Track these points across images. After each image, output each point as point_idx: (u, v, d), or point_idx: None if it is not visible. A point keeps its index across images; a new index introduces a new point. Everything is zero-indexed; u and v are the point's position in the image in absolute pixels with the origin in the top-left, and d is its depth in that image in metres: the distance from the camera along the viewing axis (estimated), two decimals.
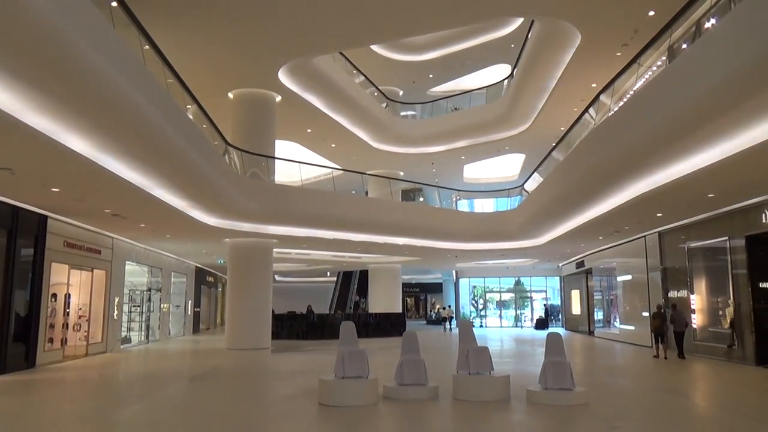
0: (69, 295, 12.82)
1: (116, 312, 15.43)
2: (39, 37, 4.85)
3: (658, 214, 12.79)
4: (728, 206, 11.47)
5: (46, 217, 11.52)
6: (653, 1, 10.85)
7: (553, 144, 16.09)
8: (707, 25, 8.44)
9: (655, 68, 10.51)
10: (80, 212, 11.66)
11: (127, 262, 16.33)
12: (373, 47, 19.78)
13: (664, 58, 10.06)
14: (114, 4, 7.87)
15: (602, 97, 11.90)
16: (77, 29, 5.35)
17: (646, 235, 15.90)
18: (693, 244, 13.51)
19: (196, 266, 24.73)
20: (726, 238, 11.96)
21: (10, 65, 5.08)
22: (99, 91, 6.05)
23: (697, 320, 13.46)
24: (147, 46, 8.97)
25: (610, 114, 10.94)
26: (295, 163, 16.95)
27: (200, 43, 12.52)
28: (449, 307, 29.58)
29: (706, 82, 6.37)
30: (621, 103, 10.76)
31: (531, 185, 17.74)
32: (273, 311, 17.30)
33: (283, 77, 14.47)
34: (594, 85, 14.01)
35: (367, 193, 22.95)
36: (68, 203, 10.49)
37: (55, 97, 5.80)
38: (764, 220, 10.57)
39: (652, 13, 11.21)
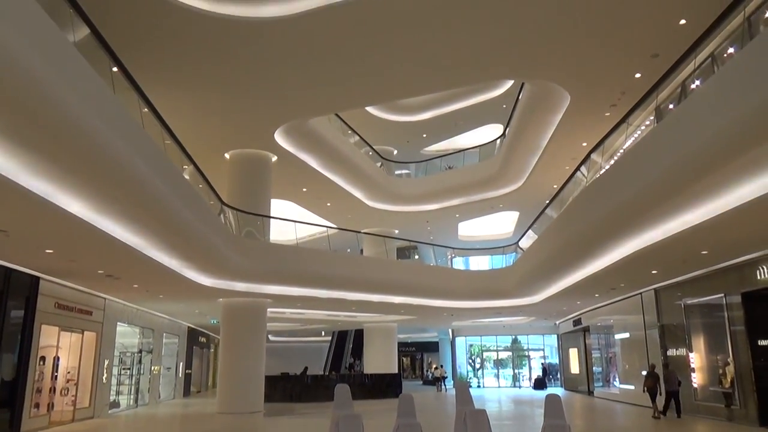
0: (58, 358, 12.56)
1: (105, 375, 15.08)
2: (39, 101, 4.95)
3: (653, 271, 12.79)
4: (723, 263, 11.50)
5: (38, 279, 11.42)
6: (639, 64, 11.21)
7: (547, 202, 16.25)
8: (692, 86, 8.70)
9: (643, 127, 10.76)
10: (73, 273, 11.57)
11: (118, 323, 16.08)
12: (368, 108, 20.21)
13: (652, 117, 10.32)
14: (115, 69, 8.07)
15: (593, 156, 12.12)
16: (77, 93, 5.46)
17: (642, 292, 15.84)
18: (690, 301, 13.46)
19: (189, 327, 24.37)
20: (722, 294, 11.92)
21: (8, 128, 5.16)
22: (97, 154, 6.12)
23: (697, 379, 13.26)
24: (146, 109, 9.15)
25: (601, 172, 11.12)
26: (291, 222, 17.00)
27: (198, 106, 12.78)
28: (441, 366, 29.01)
29: (693, 142, 6.52)
30: (612, 162, 10.95)
31: (525, 242, 17.79)
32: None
33: (279, 138, 14.70)
34: (585, 144, 14.29)
35: (362, 251, 22.94)
36: (61, 264, 10.43)
37: (53, 159, 5.86)
38: (759, 277, 10.57)
39: (638, 75, 11.55)
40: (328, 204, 20.18)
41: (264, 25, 9.83)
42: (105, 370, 15.01)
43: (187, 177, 11.02)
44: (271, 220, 15.82)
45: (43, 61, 4.86)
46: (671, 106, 9.49)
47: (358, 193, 19.41)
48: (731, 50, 7.94)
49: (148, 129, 8.60)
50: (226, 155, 15.66)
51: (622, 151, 11.06)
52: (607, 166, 10.89)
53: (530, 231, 17.62)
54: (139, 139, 7.42)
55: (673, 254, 10.59)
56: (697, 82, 8.50)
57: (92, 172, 6.41)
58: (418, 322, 27.24)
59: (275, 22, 9.77)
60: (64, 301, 12.57)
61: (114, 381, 16.48)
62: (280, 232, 17.14)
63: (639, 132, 10.82)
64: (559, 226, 12.65)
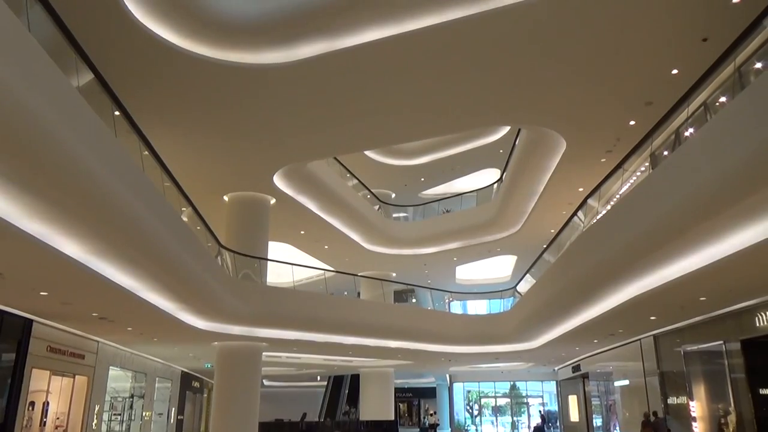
0: (47, 403, 12.31)
1: (95, 422, 14.76)
2: (42, 145, 5.00)
3: (652, 318, 12.71)
4: (721, 309, 11.43)
5: (31, 322, 11.29)
6: (633, 111, 11.40)
7: (544, 246, 16.26)
8: (686, 134, 8.83)
9: (639, 173, 10.87)
10: (67, 316, 11.45)
11: (110, 367, 15.83)
12: (367, 152, 20.41)
13: (647, 163, 10.43)
14: (117, 113, 8.18)
15: (590, 201, 12.20)
16: (80, 137, 5.53)
17: (642, 338, 15.70)
18: (689, 348, 13.32)
19: (182, 371, 23.97)
20: (722, 341, 11.81)
21: (9, 171, 5.19)
22: (97, 197, 6.15)
23: (699, 429, 13.00)
24: (146, 152, 9.24)
25: (598, 217, 11.17)
26: (288, 265, 16.95)
27: (198, 149, 12.90)
28: (435, 413, 28.42)
29: (687, 189, 6.58)
30: (608, 207, 11.01)
31: (523, 287, 17.71)
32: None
33: (278, 181, 14.79)
34: (581, 189, 14.39)
35: (359, 294, 22.79)
36: (55, 307, 10.34)
37: (52, 202, 5.88)
38: (758, 324, 10.50)
39: (632, 122, 11.73)
40: (326, 247, 20.15)
41: (264, 71, 10.02)
42: (95, 416, 14.69)
43: (185, 219, 11.04)
44: (269, 262, 15.77)
45: (48, 107, 4.94)
46: (666, 153, 9.60)
47: (355, 236, 19.42)
48: (723, 99, 8.08)
49: (148, 171, 8.67)
50: (225, 198, 15.72)
51: (618, 196, 11.14)
52: (604, 212, 10.95)
53: (528, 275, 17.56)
54: (140, 182, 7.47)
55: (671, 300, 10.55)
56: (691, 130, 8.62)
57: (91, 215, 6.42)
58: (416, 368, 26.86)
59: (276, 69, 9.96)
60: (57, 345, 12.39)
61: (104, 427, 16.12)
62: (277, 275, 17.05)
63: (635, 177, 10.92)
64: (556, 271, 12.63)
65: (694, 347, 13.12)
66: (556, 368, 26.40)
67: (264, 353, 16.67)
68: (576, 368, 22.79)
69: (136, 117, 8.83)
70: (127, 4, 8.50)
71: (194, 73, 9.99)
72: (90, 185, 5.90)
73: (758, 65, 7.03)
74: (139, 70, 9.92)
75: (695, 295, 10.08)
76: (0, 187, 5.40)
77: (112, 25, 8.70)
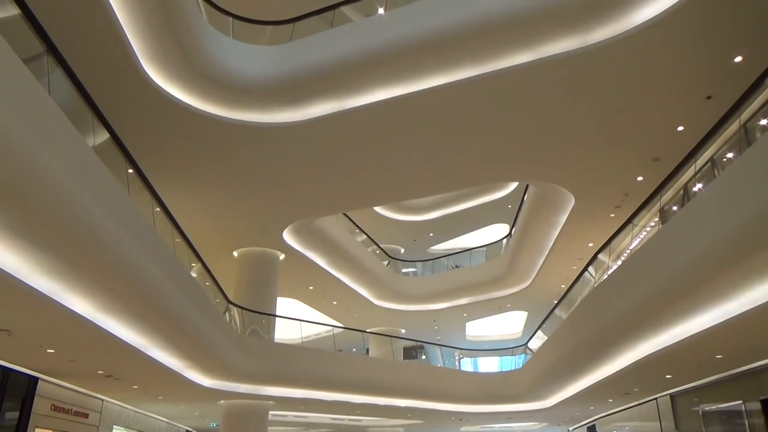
0: None
1: None
2: (54, 202, 5.08)
3: (667, 376, 12.39)
4: (740, 368, 11.14)
5: (36, 379, 11.17)
6: (641, 167, 11.47)
7: (555, 302, 16.07)
8: (694, 189, 8.84)
9: (648, 228, 10.83)
10: (72, 373, 11.33)
11: (114, 426, 15.51)
12: (376, 208, 20.55)
13: (657, 218, 10.42)
14: (130, 171, 8.34)
15: (600, 256, 12.12)
16: (93, 195, 5.61)
17: (658, 397, 15.26)
18: (707, 408, 12.91)
19: (187, 430, 23.46)
20: (741, 401, 11.45)
21: (22, 229, 5.25)
22: (108, 254, 6.19)
23: None
24: (158, 209, 9.35)
25: (608, 273, 11.07)
26: (296, 321, 16.81)
27: (209, 205, 13.05)
28: None
29: (697, 246, 6.53)
30: (619, 262, 10.93)
31: (535, 344, 17.40)
32: None
33: (287, 236, 14.85)
34: (591, 244, 14.34)
35: (368, 350, 22.48)
36: (62, 364, 10.24)
37: (63, 259, 5.92)
38: None
39: (640, 178, 11.79)
40: (335, 302, 20.02)
41: (275, 129, 10.24)
42: None
43: (194, 275, 11.05)
44: (277, 318, 15.66)
45: (64, 166, 5.04)
46: (675, 208, 9.60)
47: (364, 292, 19.31)
48: (730, 155, 8.13)
49: (159, 227, 8.75)
50: (235, 253, 15.77)
51: (628, 251, 11.07)
52: (615, 267, 10.86)
53: (539, 332, 17.28)
54: (150, 240, 7.52)
55: (687, 359, 10.30)
56: (699, 186, 8.64)
57: (101, 271, 6.45)
58: (426, 427, 26.13)
59: (286, 127, 10.18)
60: (61, 403, 12.21)
61: None
62: (285, 331, 16.90)
63: (645, 233, 10.88)
64: (568, 327, 12.43)
65: (713, 407, 12.72)
66: (570, 429, 25.59)
67: (270, 412, 16.33)
68: (591, 429, 22.07)
69: (148, 174, 8.99)
70: (144, 67, 8.80)
71: (206, 131, 10.22)
72: (102, 242, 5.95)
73: (763, 122, 7.10)
74: (152, 129, 10.16)
75: (711, 353, 9.85)
76: (11, 244, 5.45)
77: (129, 86, 8.98)
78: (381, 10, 10.83)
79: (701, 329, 8.25)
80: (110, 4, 7.68)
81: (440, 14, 9.23)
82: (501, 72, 9.06)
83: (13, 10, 5.60)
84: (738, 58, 8.44)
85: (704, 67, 8.68)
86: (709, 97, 9.18)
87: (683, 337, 8.78)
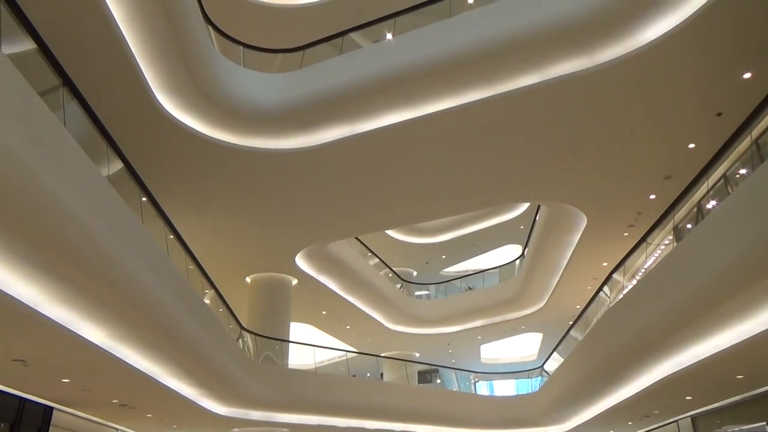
0: None
1: None
2: (70, 232, 5.13)
3: (688, 398, 12.15)
4: (762, 388, 10.91)
5: (51, 409, 11.17)
6: (653, 186, 11.40)
7: (570, 323, 15.89)
8: (708, 206, 8.77)
9: (663, 246, 10.74)
10: (87, 403, 11.32)
11: None
12: (387, 231, 20.55)
13: (671, 237, 10.33)
14: (144, 199, 8.43)
15: (615, 275, 12.00)
16: (108, 225, 5.67)
17: (679, 419, 14.94)
18: (730, 430, 12.62)
19: None
20: (764, 423, 11.19)
21: (39, 260, 5.30)
22: (122, 282, 6.23)
23: None
24: (171, 236, 9.42)
25: (624, 292, 10.95)
26: (309, 346, 16.74)
27: (221, 231, 13.12)
28: None
29: (713, 264, 6.45)
30: (634, 281, 10.81)
31: (551, 366, 17.17)
32: None
33: (299, 261, 14.87)
34: (605, 263, 14.22)
35: (382, 375, 22.28)
36: (76, 394, 10.24)
37: (78, 288, 5.96)
38: None
39: (653, 196, 11.72)
40: (348, 327, 19.93)
41: (287, 155, 10.32)
42: None
43: (208, 302, 11.08)
44: (290, 344, 15.60)
45: (79, 196, 5.11)
46: (689, 226, 9.52)
47: (378, 316, 19.22)
48: (743, 171, 8.08)
49: (172, 254, 8.81)
50: (247, 279, 15.79)
51: (643, 270, 10.96)
52: (630, 286, 10.74)
53: (555, 353, 17.07)
54: (164, 267, 7.57)
55: (707, 379, 10.11)
56: (713, 203, 8.58)
57: (115, 300, 6.48)
58: None
59: (298, 153, 10.26)
60: None
61: None
62: (298, 357, 16.82)
63: (659, 251, 10.79)
64: (584, 349, 12.27)
65: (736, 429, 12.43)
66: None
67: None
68: None
69: (161, 201, 9.08)
70: (157, 96, 8.94)
71: (218, 158, 10.33)
72: (116, 271, 5.99)
73: None
74: (165, 157, 10.29)
75: (732, 373, 9.67)
76: (27, 274, 5.50)
77: (142, 115, 9.13)
78: (389, 36, 10.98)
79: (721, 349, 8.11)
80: (124, 36, 7.85)
81: (448, 38, 9.33)
82: (510, 94, 9.11)
83: (30, 45, 5.73)
84: (747, 75, 8.44)
85: (714, 83, 8.68)
86: (719, 114, 9.16)
87: (702, 358, 8.63)
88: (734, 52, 8.15)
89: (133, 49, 8.14)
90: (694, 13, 7.72)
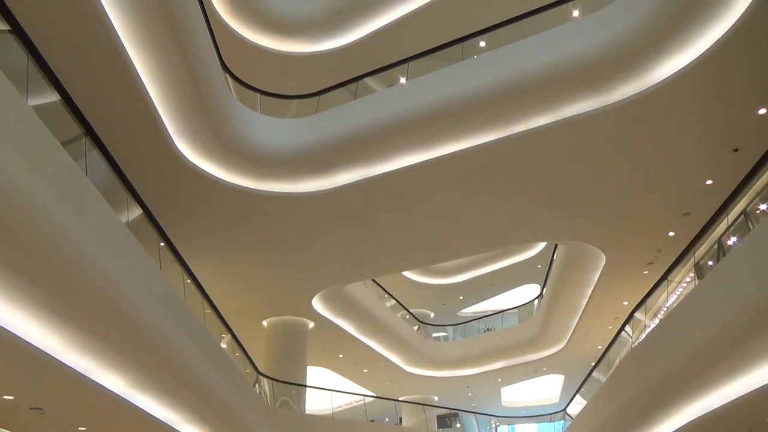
0: None
1: None
2: (91, 280, 5.18)
3: None
4: None
5: None
6: (671, 223, 11.28)
7: (592, 364, 15.55)
8: (729, 243, 8.65)
9: (685, 284, 10.55)
10: None
11: None
12: (404, 272, 20.47)
13: (692, 274, 10.16)
14: (162, 244, 8.51)
15: (636, 315, 11.79)
16: (128, 272, 5.72)
17: None
18: None
19: None
20: None
21: (58, 306, 5.34)
22: (141, 329, 6.24)
23: None
24: (189, 281, 9.46)
25: (646, 332, 10.73)
26: (327, 391, 16.52)
27: (238, 275, 13.15)
28: None
29: (738, 301, 6.32)
30: (656, 320, 10.61)
31: (574, 409, 16.74)
32: None
33: (316, 304, 14.81)
34: (626, 302, 13.98)
35: (401, 420, 21.85)
36: None
37: (98, 335, 5.97)
38: None
39: (672, 233, 11.58)
40: (365, 370, 19.66)
41: (302, 198, 10.41)
42: None
43: (224, 346, 11.03)
44: (307, 389, 15.41)
45: (100, 245, 5.18)
46: (711, 263, 9.37)
47: (395, 359, 18.97)
48: (763, 207, 7.99)
49: (189, 298, 8.82)
50: (264, 323, 15.73)
51: (665, 308, 10.76)
52: (652, 326, 10.54)
53: (578, 396, 16.66)
54: (182, 313, 7.58)
55: (738, 421, 9.77)
56: (734, 239, 8.46)
57: (134, 347, 6.48)
58: None
59: (313, 196, 10.35)
60: None
61: None
62: (315, 402, 16.59)
63: (681, 289, 10.60)
64: (608, 391, 11.96)
65: None
66: None
67: None
68: None
69: (179, 245, 9.16)
70: (176, 142, 9.12)
71: (235, 203, 10.44)
72: (135, 319, 6.01)
73: None
74: (183, 202, 10.42)
75: (762, 414, 9.35)
76: (46, 322, 5.52)
77: (161, 161, 9.29)
78: (403, 80, 11.17)
79: (751, 390, 7.87)
80: (144, 86, 8.06)
81: (460, 81, 9.46)
82: (523, 134, 9.17)
83: (54, 96, 5.91)
84: (762, 110, 8.42)
85: (729, 120, 8.67)
86: (736, 150, 9.11)
87: (732, 399, 8.37)
88: (748, 89, 8.16)
89: (153, 98, 8.35)
90: (706, 51, 7.77)
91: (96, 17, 6.83)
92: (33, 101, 5.55)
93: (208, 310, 10.37)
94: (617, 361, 12.11)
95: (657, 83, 8.32)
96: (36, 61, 5.46)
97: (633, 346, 11.21)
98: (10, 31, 5.18)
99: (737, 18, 7.27)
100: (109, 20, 7.05)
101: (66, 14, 6.78)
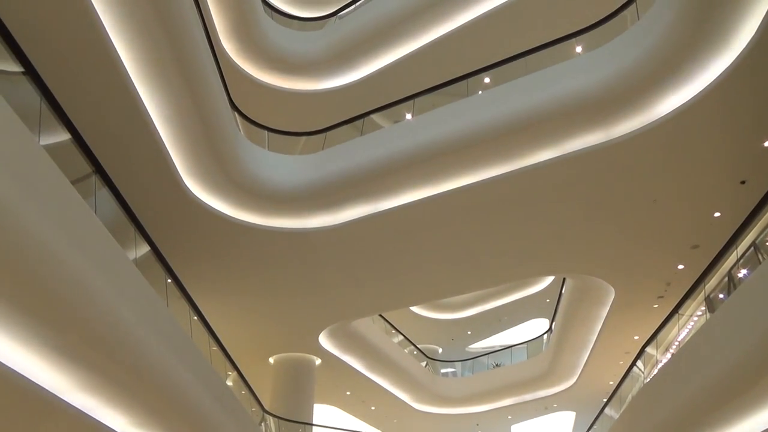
0: None
1: None
2: (95, 319, 5.17)
3: None
4: None
5: None
6: (680, 256, 11.19)
7: (604, 400, 15.27)
8: (739, 275, 8.56)
9: (696, 318, 10.42)
10: None
11: None
12: (411, 307, 20.33)
13: (703, 307, 10.03)
14: (169, 281, 8.51)
15: (648, 349, 11.61)
16: (134, 311, 5.71)
17: None
18: None
19: None
20: None
21: (65, 346, 5.31)
22: (147, 367, 6.20)
23: None
24: (195, 317, 9.42)
25: (658, 367, 10.56)
26: (334, 429, 16.25)
27: (245, 312, 13.09)
28: None
29: (751, 334, 6.23)
30: (668, 355, 10.44)
31: None
32: None
33: (323, 340, 14.68)
34: (637, 337, 13.79)
35: None
36: None
37: (102, 375, 5.93)
38: None
39: (681, 266, 11.48)
40: (372, 408, 19.36)
41: (309, 234, 10.43)
42: None
43: (230, 384, 10.91)
44: (314, 427, 15.16)
45: (107, 283, 5.18)
46: (721, 296, 9.27)
47: (403, 396, 18.69)
48: None
49: (195, 335, 8.77)
50: (270, 360, 15.58)
51: (677, 343, 10.60)
52: (664, 360, 10.37)
53: None
54: (188, 351, 7.53)
55: None
56: (744, 271, 8.37)
57: (139, 386, 6.43)
58: None
59: (320, 232, 10.37)
60: None
61: None
62: None
63: (692, 323, 10.46)
64: (620, 428, 11.72)
65: None
66: None
67: None
68: None
69: (186, 281, 9.15)
70: (184, 180, 9.21)
71: (243, 239, 10.47)
72: (141, 357, 5.97)
73: None
74: (190, 238, 10.45)
75: None
76: (51, 360, 5.48)
77: (169, 199, 9.36)
78: (409, 116, 11.29)
79: (766, 428, 7.69)
80: (155, 124, 8.17)
81: (465, 117, 9.56)
82: (529, 168, 9.20)
83: (65, 135, 6.00)
84: (767, 143, 8.43)
85: (735, 152, 8.67)
86: (743, 182, 9.09)
87: None
88: (753, 121, 8.18)
89: (163, 137, 8.47)
90: (709, 84, 7.82)
91: (108, 58, 6.99)
92: (45, 140, 5.63)
93: (215, 347, 10.30)
94: (630, 397, 11.89)
95: (661, 117, 8.37)
96: (48, 102, 5.56)
97: (645, 381, 11.01)
98: (23, 73, 5.29)
99: (740, 51, 7.34)
100: (121, 61, 7.21)
101: (78, 55, 6.93)
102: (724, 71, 7.62)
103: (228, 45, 13.27)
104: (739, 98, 7.88)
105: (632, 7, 9.27)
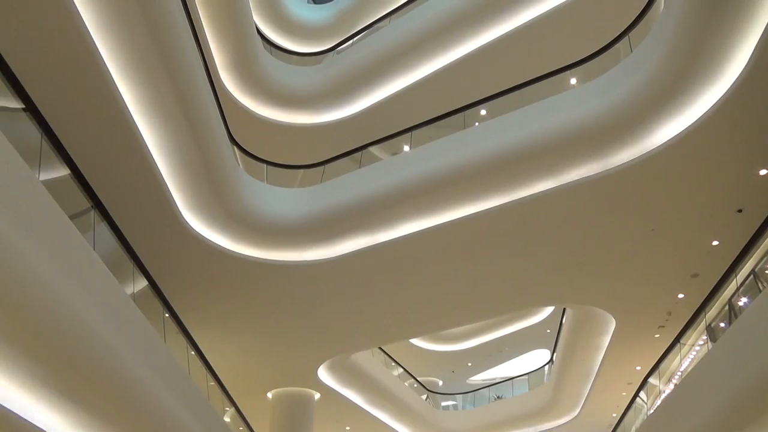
0: None
1: None
2: (93, 358, 5.12)
3: None
4: None
5: None
6: (680, 285, 11.15)
7: None
8: (740, 303, 8.52)
9: (698, 347, 10.34)
10: None
11: None
12: (411, 340, 20.15)
13: (704, 336, 9.96)
14: (167, 315, 8.45)
15: (651, 380, 11.50)
16: (132, 348, 5.66)
17: None
18: None
19: None
20: None
21: (60, 386, 5.24)
22: (144, 405, 6.12)
23: None
24: (193, 352, 9.33)
25: (661, 398, 10.44)
26: None
27: (242, 346, 12.96)
28: None
29: (754, 364, 6.17)
30: (671, 385, 10.33)
31: None
32: None
33: (321, 374, 14.51)
34: (639, 367, 13.66)
35: None
36: None
37: (99, 414, 5.85)
38: None
39: (681, 296, 11.44)
40: None
41: (307, 267, 10.40)
42: None
43: (228, 420, 10.75)
44: None
45: (104, 321, 5.15)
46: (722, 325, 9.21)
47: (404, 430, 18.38)
48: None
49: (193, 369, 8.67)
50: (269, 395, 15.36)
51: (680, 373, 10.50)
52: (667, 391, 10.26)
53: None
54: (186, 389, 7.45)
55: None
56: (744, 299, 8.35)
57: (136, 424, 6.33)
58: None
59: (318, 265, 10.34)
60: None
61: None
62: None
63: (695, 352, 10.38)
64: None
65: None
66: None
67: None
68: None
69: (183, 315, 9.10)
70: (183, 214, 9.21)
71: (241, 272, 10.43)
72: (138, 394, 5.90)
73: None
74: (188, 272, 10.41)
75: None
76: (47, 400, 5.40)
77: (168, 233, 9.34)
78: (406, 148, 11.38)
79: None
80: (154, 159, 8.21)
81: (462, 149, 9.63)
82: (526, 199, 9.23)
83: (64, 171, 6.02)
84: (763, 171, 8.47)
85: (731, 181, 8.71)
86: (740, 210, 9.12)
87: None
88: (748, 150, 8.23)
89: (162, 171, 8.49)
90: (704, 114, 7.89)
91: (107, 93, 7.04)
92: (44, 175, 5.65)
93: (212, 382, 10.17)
94: (633, 429, 11.73)
95: (657, 147, 8.42)
96: (48, 137, 5.60)
97: (649, 413, 10.88)
98: (24, 109, 5.34)
99: (734, 80, 7.43)
100: (121, 96, 7.27)
101: (77, 91, 7.00)
102: (717, 101, 7.70)
103: (227, 79, 13.42)
104: (734, 127, 7.95)
105: (625, 40, 9.43)
